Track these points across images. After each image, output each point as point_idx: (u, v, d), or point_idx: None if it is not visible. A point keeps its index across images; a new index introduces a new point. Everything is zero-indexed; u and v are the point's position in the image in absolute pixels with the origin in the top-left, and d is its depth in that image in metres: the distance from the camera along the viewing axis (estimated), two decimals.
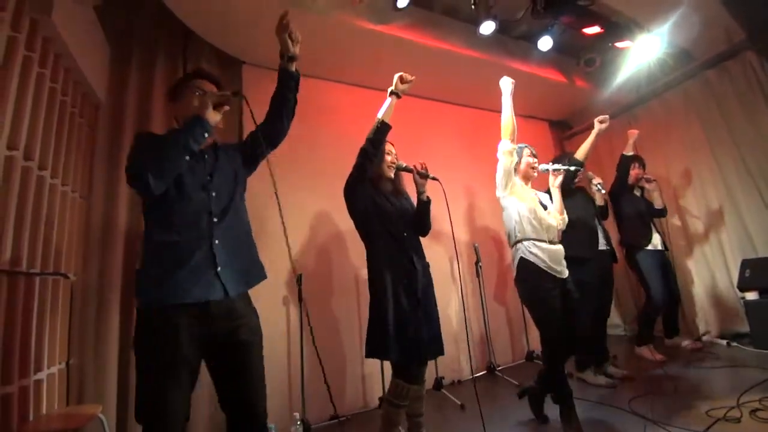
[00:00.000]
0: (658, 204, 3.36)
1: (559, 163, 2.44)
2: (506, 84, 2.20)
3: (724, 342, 3.29)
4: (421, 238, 1.97)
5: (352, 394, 2.83)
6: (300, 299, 2.65)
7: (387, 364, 2.34)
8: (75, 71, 2.14)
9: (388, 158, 1.91)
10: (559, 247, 2.17)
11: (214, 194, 1.27)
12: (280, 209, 1.30)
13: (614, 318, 4.24)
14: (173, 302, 1.11)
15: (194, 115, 1.24)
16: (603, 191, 2.87)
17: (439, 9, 3.26)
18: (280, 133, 1.47)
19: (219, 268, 1.18)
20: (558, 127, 4.99)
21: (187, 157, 1.21)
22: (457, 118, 4.07)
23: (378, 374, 2.79)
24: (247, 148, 1.46)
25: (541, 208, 2.20)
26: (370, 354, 1.74)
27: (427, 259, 1.93)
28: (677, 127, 3.84)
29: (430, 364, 2.00)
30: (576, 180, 2.76)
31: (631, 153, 3.18)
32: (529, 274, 2.09)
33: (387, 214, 1.84)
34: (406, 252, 1.82)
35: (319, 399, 2.62)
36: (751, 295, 3.05)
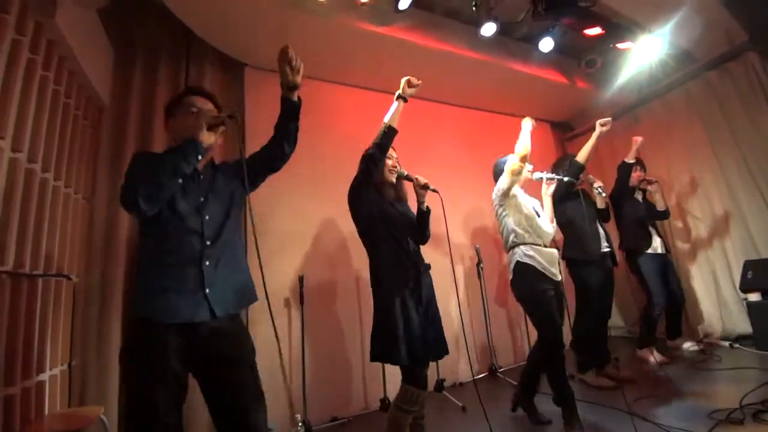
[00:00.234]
0: (660, 206, 3.34)
1: (560, 165, 2.51)
2: (527, 123, 2.23)
3: (727, 344, 3.28)
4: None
5: (354, 395, 2.83)
6: (301, 301, 2.65)
7: (388, 366, 2.34)
8: (79, 74, 2.16)
9: (389, 162, 1.91)
10: (553, 251, 2.24)
11: (207, 217, 1.26)
12: (251, 213, 1.24)
13: (616, 320, 4.23)
14: (162, 321, 1.12)
15: (188, 137, 1.24)
16: (604, 195, 2.86)
17: (441, 11, 3.27)
18: (281, 159, 1.47)
19: (207, 290, 1.19)
20: (559, 129, 4.98)
21: (180, 180, 1.21)
22: (459, 120, 4.07)
23: (379, 376, 2.79)
24: (241, 174, 1.42)
25: (536, 216, 2.24)
26: (376, 358, 1.73)
27: (429, 261, 1.94)
28: (679, 128, 3.83)
29: (432, 365, 2.00)
30: (578, 182, 2.76)
31: (632, 160, 3.15)
32: (525, 276, 2.15)
33: (392, 219, 1.85)
34: (410, 256, 1.83)
35: (320, 401, 2.64)
36: (754, 297, 3.03)
